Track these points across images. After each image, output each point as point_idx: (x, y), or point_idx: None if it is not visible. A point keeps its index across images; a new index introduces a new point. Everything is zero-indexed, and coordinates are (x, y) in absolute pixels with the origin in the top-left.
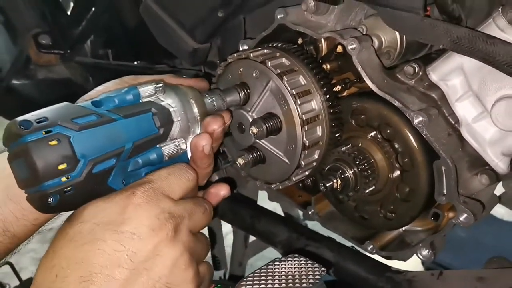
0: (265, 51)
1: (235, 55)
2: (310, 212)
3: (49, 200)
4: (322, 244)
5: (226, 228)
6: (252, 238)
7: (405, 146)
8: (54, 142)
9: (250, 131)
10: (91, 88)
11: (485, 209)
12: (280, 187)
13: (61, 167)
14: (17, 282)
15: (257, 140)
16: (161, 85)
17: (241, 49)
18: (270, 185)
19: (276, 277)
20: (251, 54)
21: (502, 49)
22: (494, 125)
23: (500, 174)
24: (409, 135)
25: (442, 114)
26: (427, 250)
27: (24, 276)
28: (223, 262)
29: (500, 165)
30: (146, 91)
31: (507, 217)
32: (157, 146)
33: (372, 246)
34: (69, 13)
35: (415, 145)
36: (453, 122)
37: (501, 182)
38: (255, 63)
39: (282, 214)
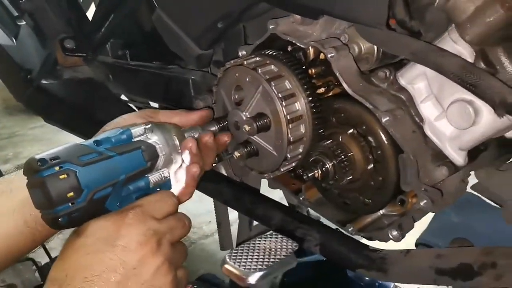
0: (257, 58)
1: (232, 61)
2: (301, 198)
3: (60, 220)
4: (312, 226)
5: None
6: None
7: (377, 142)
8: (64, 176)
9: (243, 129)
10: (112, 86)
11: (448, 196)
12: (271, 176)
13: (69, 195)
14: (47, 259)
15: (250, 136)
16: (149, 126)
17: (240, 54)
18: (263, 174)
19: (257, 251)
20: (245, 61)
21: (450, 60)
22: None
23: (458, 166)
24: (380, 132)
25: (409, 114)
26: (396, 231)
27: (53, 255)
28: (229, 243)
29: (458, 158)
30: (137, 131)
31: None
32: (145, 176)
33: (352, 228)
34: (90, 19)
35: (385, 140)
36: (418, 121)
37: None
38: (248, 70)
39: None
